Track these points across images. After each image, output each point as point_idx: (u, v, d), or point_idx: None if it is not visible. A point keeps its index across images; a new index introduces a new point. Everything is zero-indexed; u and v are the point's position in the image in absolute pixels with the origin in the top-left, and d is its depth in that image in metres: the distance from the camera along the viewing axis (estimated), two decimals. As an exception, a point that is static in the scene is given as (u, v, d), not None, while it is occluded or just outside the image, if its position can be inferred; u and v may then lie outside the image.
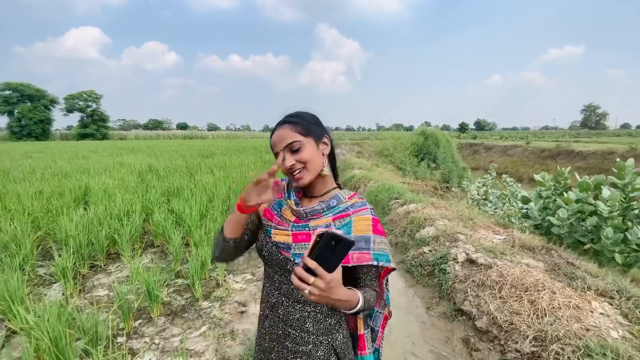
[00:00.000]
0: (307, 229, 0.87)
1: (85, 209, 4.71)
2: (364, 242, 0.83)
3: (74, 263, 3.12)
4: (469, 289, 2.54)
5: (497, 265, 2.61)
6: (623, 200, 3.62)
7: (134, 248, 3.73)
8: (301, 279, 0.65)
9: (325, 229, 0.65)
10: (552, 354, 1.74)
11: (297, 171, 0.84)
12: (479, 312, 2.31)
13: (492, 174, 7.54)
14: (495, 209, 6.59)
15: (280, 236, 0.88)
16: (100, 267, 3.40)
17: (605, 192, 3.51)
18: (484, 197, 7.36)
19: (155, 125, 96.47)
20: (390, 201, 5.29)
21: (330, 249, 0.64)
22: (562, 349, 1.74)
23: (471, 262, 2.85)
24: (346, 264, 0.80)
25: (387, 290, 0.99)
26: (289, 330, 0.86)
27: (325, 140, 0.91)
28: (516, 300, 2.21)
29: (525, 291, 2.25)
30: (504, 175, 7.44)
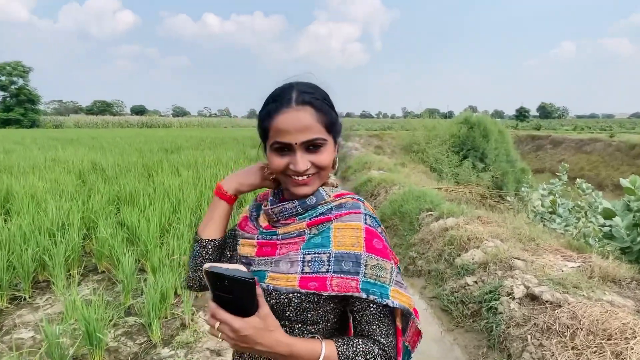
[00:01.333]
0: (274, 237, 0.85)
1: (5, 220, 4.76)
2: (352, 263, 0.78)
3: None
4: (529, 336, 2.52)
5: (569, 303, 2.59)
6: None
7: (70, 274, 3.76)
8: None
9: (209, 264, 0.66)
10: None
11: (307, 176, 0.82)
12: (544, 368, 2.28)
13: (562, 178, 7.49)
14: (566, 226, 6.54)
15: (246, 247, 0.88)
16: (25, 299, 3.43)
17: None
18: (550, 209, 7.30)
19: (102, 108, 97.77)
20: (420, 214, 5.29)
21: (224, 289, 0.66)
22: (660, 420, 1.71)
23: (533, 298, 2.83)
24: (320, 292, 0.76)
25: (407, 345, 0.91)
26: None
27: (340, 137, 0.90)
28: (595, 352, 2.19)
29: (608, 339, 2.22)
30: (578, 180, 7.38)
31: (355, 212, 0.84)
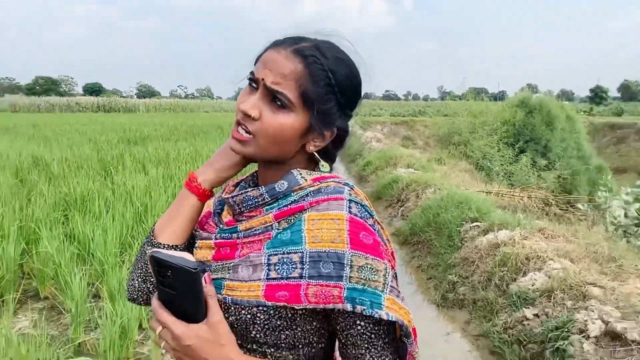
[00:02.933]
0: (234, 235, 0.84)
1: None
2: (332, 264, 0.75)
3: None
4: (609, 387, 2.51)
5: (664, 345, 2.57)
6: None
7: (3, 301, 3.79)
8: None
9: (153, 250, 0.68)
10: None
11: (244, 129, 0.82)
12: None
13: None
14: (660, 242, 6.49)
15: (202, 250, 0.88)
16: (-55, 333, 3.46)
17: None
18: (637, 221, 7.25)
19: (46, 87, 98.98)
20: (463, 226, 5.28)
21: (170, 284, 0.68)
22: None
23: (614, 337, 2.83)
24: (293, 305, 0.74)
25: None
26: None
27: (329, 133, 0.88)
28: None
29: None
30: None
31: (335, 199, 0.81)
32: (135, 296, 0.94)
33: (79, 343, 3.32)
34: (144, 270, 0.91)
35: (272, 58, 0.81)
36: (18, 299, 3.93)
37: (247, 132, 0.81)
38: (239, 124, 0.83)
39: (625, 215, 7.43)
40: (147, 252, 0.70)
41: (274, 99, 0.80)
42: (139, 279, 0.92)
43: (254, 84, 0.82)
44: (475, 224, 5.23)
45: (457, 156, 13.00)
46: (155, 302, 0.71)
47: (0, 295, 3.78)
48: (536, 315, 3.42)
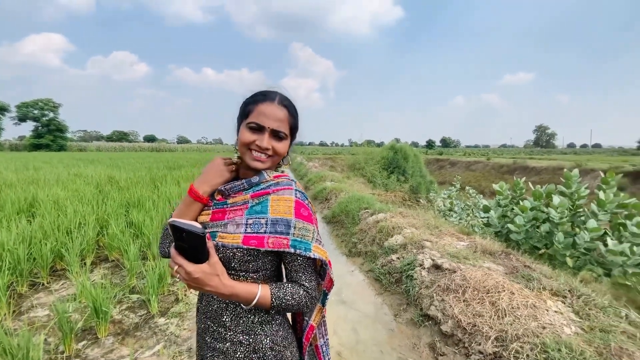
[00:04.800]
0: (225, 206, 0.81)
1: (29, 221, 4.26)
2: (284, 226, 0.76)
3: (9, 281, 2.77)
4: (434, 294, 2.56)
5: (461, 270, 2.67)
6: (571, 207, 3.91)
7: (84, 263, 3.41)
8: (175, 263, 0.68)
9: (171, 219, 0.65)
10: (513, 352, 1.77)
11: (265, 155, 0.80)
12: (444, 317, 2.32)
13: (456, 186, 7.89)
14: (459, 219, 6.83)
15: (203, 216, 0.83)
16: (43, 285, 3.05)
17: (556, 199, 3.77)
18: (449, 208, 7.64)
19: (120, 137, 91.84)
20: (360, 211, 5.33)
21: (182, 240, 0.65)
22: (521, 347, 1.78)
23: (437, 267, 2.89)
24: (259, 248, 0.74)
25: (325, 289, 0.87)
26: (208, 323, 0.82)
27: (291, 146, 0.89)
28: (479, 303, 2.25)
29: (487, 293, 2.30)
30: (467, 188, 7.80)
31: (288, 189, 0.82)
32: (164, 253, 0.88)
33: (132, 287, 3.03)
34: (168, 237, 0.85)
35: (267, 110, 0.79)
36: (94, 262, 3.56)
37: (267, 156, 0.80)
38: (253, 151, 0.79)
39: (444, 205, 7.85)
40: (167, 221, 0.67)
41: (276, 135, 0.80)
42: (165, 243, 0.86)
43: (255, 127, 0.79)
44: (366, 210, 5.29)
45: (357, 175, 13.16)
46: (173, 250, 0.68)
47: (82, 259, 3.39)
48: (397, 258, 3.45)
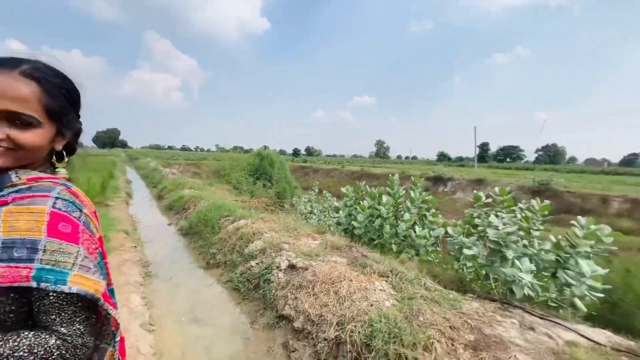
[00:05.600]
0: None
1: None
2: (26, 249, 0.55)
3: None
4: (289, 293, 2.67)
5: (312, 266, 2.89)
6: (394, 204, 4.94)
7: None
8: None
9: None
10: (348, 332, 2.02)
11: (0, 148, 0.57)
12: (297, 313, 2.45)
13: (315, 190, 8.70)
14: (319, 220, 7.54)
15: None
16: None
17: (384, 198, 4.67)
18: (310, 211, 8.31)
19: None
20: (220, 219, 5.05)
21: None
22: (355, 326, 2.06)
23: (292, 267, 3.04)
24: None
25: (114, 329, 0.67)
26: None
27: (69, 134, 0.66)
28: (325, 294, 2.49)
29: (332, 284, 2.58)
30: (325, 192, 8.70)
31: (41, 196, 0.59)
32: None
33: None
34: None
35: (0, 84, 0.54)
36: None
37: (4, 149, 0.57)
38: None
39: (304, 209, 8.50)
40: None
41: (15, 120, 0.55)
42: None
43: None
44: (227, 217, 5.07)
45: (223, 182, 12.59)
46: None
47: None
48: (257, 263, 3.44)
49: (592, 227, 2.81)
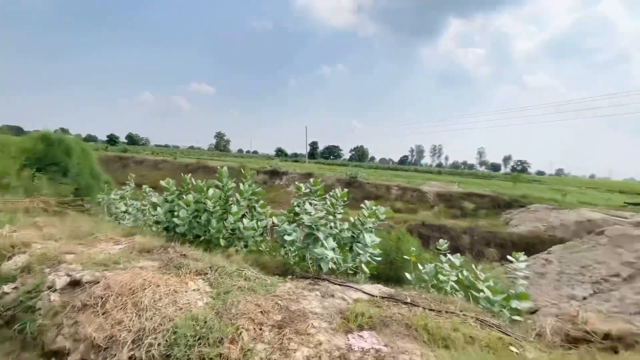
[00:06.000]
0: None
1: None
2: None
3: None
4: (65, 319, 2.04)
5: (106, 278, 2.33)
6: (224, 197, 4.77)
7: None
8: None
9: None
10: (145, 348, 1.73)
11: None
12: (75, 343, 1.89)
13: (130, 185, 7.26)
14: (135, 220, 6.34)
15: None
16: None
17: (210, 192, 4.42)
18: (124, 210, 6.87)
19: None
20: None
21: None
22: (155, 338, 1.78)
23: (75, 284, 2.34)
24: None
25: None
26: None
27: None
28: (121, 309, 2.05)
29: (132, 295, 2.15)
30: (144, 186, 7.41)
31: None
32: None
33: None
34: None
35: None
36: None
37: None
38: None
39: (116, 208, 6.95)
40: None
41: None
42: None
43: None
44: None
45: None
46: None
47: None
48: (15, 287, 2.45)
49: (373, 208, 3.66)
